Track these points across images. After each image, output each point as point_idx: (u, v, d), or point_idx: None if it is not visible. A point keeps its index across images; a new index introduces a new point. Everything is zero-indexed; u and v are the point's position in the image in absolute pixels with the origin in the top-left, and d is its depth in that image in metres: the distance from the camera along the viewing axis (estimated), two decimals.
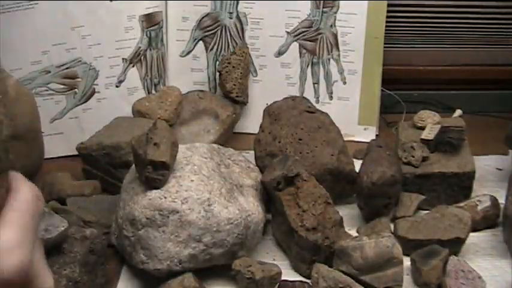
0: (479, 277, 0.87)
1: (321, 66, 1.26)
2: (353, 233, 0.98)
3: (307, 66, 1.26)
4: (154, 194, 0.86)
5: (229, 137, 1.23)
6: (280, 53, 1.27)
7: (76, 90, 1.20)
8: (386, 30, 1.25)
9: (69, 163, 1.15)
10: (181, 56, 1.28)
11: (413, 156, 1.03)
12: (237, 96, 1.22)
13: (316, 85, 1.26)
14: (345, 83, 1.26)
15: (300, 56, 1.26)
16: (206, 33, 1.27)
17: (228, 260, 0.88)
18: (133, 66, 1.24)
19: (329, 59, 1.26)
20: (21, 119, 1.07)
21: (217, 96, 1.26)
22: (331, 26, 1.25)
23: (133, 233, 0.87)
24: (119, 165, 1.05)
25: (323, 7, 1.25)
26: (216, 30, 1.28)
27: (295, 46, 1.26)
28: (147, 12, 1.22)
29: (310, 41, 1.27)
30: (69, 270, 0.81)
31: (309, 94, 1.26)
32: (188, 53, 1.28)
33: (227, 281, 0.90)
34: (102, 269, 0.87)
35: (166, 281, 0.86)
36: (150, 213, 0.85)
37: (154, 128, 0.85)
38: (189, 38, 1.27)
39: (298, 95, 1.25)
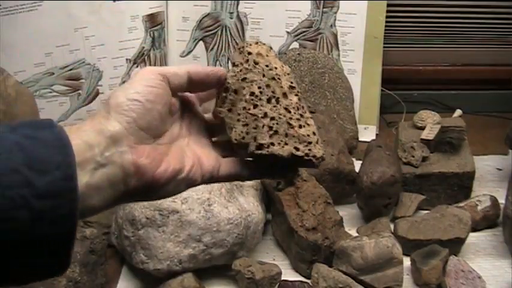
0: (479, 277, 0.87)
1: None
2: (353, 233, 0.98)
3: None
4: None
5: None
6: (280, 53, 1.27)
7: (80, 91, 1.20)
8: (386, 30, 1.25)
9: None
10: (181, 56, 1.28)
11: (413, 156, 1.03)
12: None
13: None
14: None
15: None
16: (206, 34, 1.27)
17: (228, 260, 0.88)
18: (137, 66, 1.24)
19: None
20: (21, 119, 1.07)
21: None
22: (331, 26, 1.25)
23: (133, 233, 0.87)
24: None
25: (323, 7, 1.25)
26: (216, 30, 1.28)
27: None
28: (150, 12, 1.22)
29: (310, 41, 1.27)
30: (69, 270, 0.80)
31: None
32: (188, 53, 1.28)
33: (227, 281, 0.90)
34: (102, 269, 0.87)
35: (166, 281, 0.86)
36: (150, 213, 0.85)
37: None
38: (190, 38, 1.27)
39: None
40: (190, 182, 0.51)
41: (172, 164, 0.49)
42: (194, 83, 0.52)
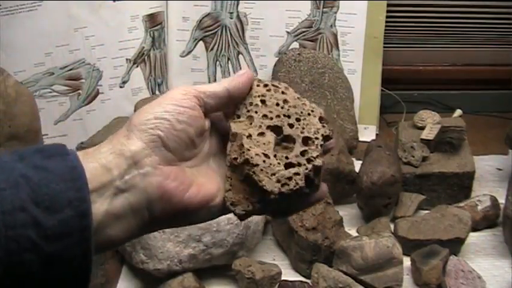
0: (479, 277, 0.87)
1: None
2: (353, 233, 0.98)
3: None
4: None
5: None
6: (280, 53, 1.27)
7: (80, 91, 1.20)
8: (386, 30, 1.25)
9: None
10: (181, 56, 1.28)
11: (413, 156, 1.03)
12: None
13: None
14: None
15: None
16: (206, 33, 1.27)
17: (228, 260, 0.88)
18: (137, 66, 1.24)
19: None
20: (21, 119, 1.07)
21: None
22: (331, 26, 1.25)
23: None
24: None
25: (323, 7, 1.25)
26: (216, 30, 1.28)
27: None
28: (150, 12, 1.22)
29: (310, 41, 1.27)
30: None
31: None
32: (188, 53, 1.28)
33: (227, 281, 0.90)
34: (102, 269, 0.87)
35: (166, 281, 0.86)
36: None
37: None
38: (189, 38, 1.27)
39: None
40: (225, 209, 0.45)
41: (203, 188, 0.43)
42: (233, 99, 0.46)
